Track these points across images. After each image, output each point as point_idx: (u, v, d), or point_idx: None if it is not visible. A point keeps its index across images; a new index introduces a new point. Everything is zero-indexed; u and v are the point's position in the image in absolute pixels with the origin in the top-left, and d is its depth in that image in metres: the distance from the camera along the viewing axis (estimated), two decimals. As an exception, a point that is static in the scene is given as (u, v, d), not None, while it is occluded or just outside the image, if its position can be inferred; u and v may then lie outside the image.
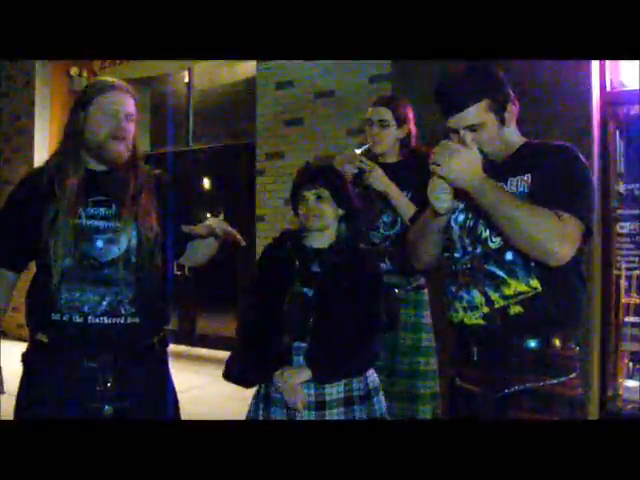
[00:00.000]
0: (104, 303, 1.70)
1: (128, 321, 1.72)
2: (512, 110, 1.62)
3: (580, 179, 1.53)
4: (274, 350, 1.91)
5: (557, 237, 1.42)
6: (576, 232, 1.46)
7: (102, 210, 1.74)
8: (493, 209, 1.45)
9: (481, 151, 1.50)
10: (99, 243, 1.71)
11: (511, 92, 1.62)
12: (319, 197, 1.99)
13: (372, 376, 2.00)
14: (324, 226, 2.01)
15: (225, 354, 2.08)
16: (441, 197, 1.52)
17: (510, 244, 1.50)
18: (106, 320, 1.70)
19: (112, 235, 1.72)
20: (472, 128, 1.56)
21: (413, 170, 2.49)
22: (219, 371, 2.03)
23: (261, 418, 1.95)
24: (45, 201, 1.72)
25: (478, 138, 1.55)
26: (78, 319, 1.68)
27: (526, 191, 1.54)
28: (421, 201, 2.27)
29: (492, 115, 1.58)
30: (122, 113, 1.74)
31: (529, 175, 1.55)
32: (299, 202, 2.02)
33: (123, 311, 1.71)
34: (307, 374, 1.86)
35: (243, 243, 1.80)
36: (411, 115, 2.57)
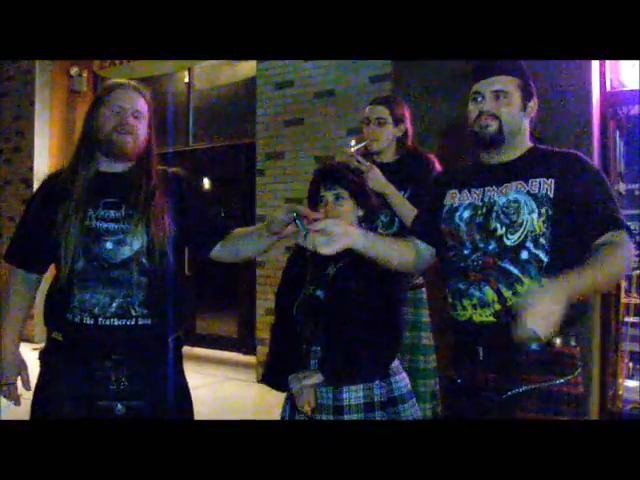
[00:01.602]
0: (114, 305, 1.70)
1: (139, 323, 1.72)
2: (533, 106, 1.66)
3: (611, 190, 1.58)
4: (294, 354, 1.91)
5: (627, 261, 1.51)
6: (631, 241, 1.51)
7: (112, 212, 1.75)
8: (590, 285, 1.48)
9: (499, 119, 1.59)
10: (109, 245, 1.72)
11: (535, 93, 1.68)
12: (338, 197, 1.94)
13: (401, 382, 1.91)
14: None
15: (225, 354, 2.08)
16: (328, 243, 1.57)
17: None
18: (116, 322, 1.70)
19: (122, 236, 1.73)
20: (497, 94, 1.61)
21: (410, 169, 2.51)
22: (219, 371, 2.03)
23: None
24: (59, 203, 1.74)
25: (499, 106, 1.60)
26: (89, 320, 1.69)
27: (551, 196, 1.55)
28: (418, 200, 2.28)
29: (519, 94, 1.62)
30: (128, 110, 1.77)
31: (552, 180, 1.56)
32: (318, 204, 1.95)
33: (133, 313, 1.71)
34: (317, 377, 1.81)
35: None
36: (408, 114, 2.58)
